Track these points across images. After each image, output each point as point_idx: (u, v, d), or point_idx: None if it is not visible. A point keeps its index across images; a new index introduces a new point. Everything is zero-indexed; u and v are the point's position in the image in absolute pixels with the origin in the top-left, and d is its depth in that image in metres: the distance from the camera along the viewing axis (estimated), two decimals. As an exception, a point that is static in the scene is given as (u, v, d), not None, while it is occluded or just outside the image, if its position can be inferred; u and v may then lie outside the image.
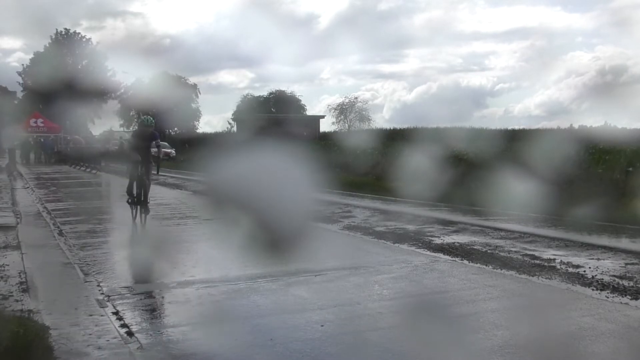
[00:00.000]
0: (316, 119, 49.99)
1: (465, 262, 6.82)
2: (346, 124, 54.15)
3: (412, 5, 78.77)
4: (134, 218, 9.95)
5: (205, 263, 7.11)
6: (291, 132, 34.33)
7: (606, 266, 6.42)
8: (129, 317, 4.79)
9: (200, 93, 57.35)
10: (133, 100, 48.09)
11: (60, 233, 9.11)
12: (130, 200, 9.99)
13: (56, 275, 6.41)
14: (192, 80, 55.67)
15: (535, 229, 8.96)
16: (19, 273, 6.17)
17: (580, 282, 5.76)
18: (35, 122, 39.45)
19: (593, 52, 72.42)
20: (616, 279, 5.84)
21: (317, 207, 11.22)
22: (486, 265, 6.62)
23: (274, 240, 6.18)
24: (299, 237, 6.53)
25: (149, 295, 5.55)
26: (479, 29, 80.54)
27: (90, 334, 4.34)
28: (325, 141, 29.87)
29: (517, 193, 9.65)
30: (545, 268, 6.36)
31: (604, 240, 7.85)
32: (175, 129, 50.90)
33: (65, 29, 57.38)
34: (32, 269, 6.41)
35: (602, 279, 5.86)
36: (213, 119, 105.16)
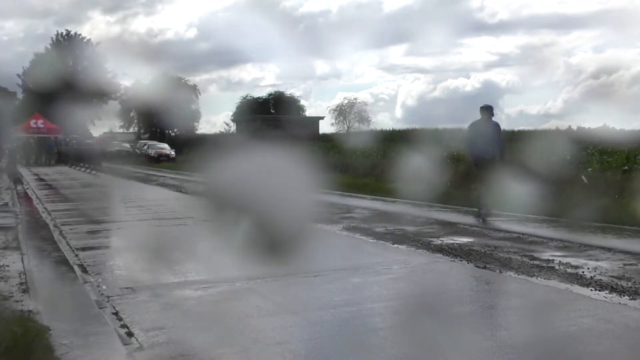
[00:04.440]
0: (315, 120, 50.05)
1: (465, 262, 6.83)
2: (345, 125, 54.24)
3: (416, 6, 78.58)
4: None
5: (205, 263, 7.12)
6: (290, 133, 34.35)
7: (605, 267, 6.44)
8: (129, 317, 4.80)
9: (200, 93, 57.43)
10: (133, 101, 48.17)
11: (60, 234, 9.13)
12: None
13: (56, 276, 6.43)
14: (192, 80, 55.77)
15: (534, 229, 8.98)
16: (19, 274, 6.19)
17: (579, 283, 5.77)
18: (36, 123, 39.48)
19: (594, 52, 72.47)
20: (614, 280, 5.85)
21: (316, 208, 11.23)
22: (485, 265, 6.63)
23: (273, 241, 6.18)
24: (298, 237, 6.54)
25: (149, 295, 5.56)
26: (482, 29, 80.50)
27: (89, 334, 4.36)
28: (325, 142, 29.90)
29: (516, 194, 9.66)
30: (544, 269, 6.37)
31: (603, 241, 7.87)
32: (175, 129, 50.95)
33: (66, 29, 57.61)
34: (32, 269, 6.43)
35: (601, 279, 5.87)
36: (213, 119, 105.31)
